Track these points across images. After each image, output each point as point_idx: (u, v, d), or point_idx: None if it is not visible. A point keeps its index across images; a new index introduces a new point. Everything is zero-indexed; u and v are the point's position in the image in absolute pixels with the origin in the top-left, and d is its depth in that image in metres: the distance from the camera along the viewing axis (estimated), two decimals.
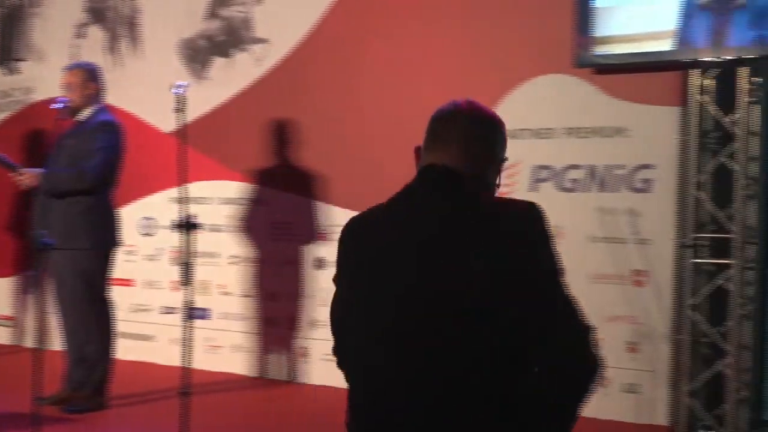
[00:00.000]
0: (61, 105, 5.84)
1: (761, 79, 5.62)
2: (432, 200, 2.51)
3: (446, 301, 2.35)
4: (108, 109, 6.47)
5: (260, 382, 7.41)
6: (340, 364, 2.69)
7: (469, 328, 2.32)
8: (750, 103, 5.59)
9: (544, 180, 6.37)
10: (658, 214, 6.00)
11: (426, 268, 2.40)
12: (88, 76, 6.35)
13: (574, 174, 6.29)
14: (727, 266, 5.67)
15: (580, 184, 6.27)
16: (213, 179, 7.74)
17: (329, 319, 2.75)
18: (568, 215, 6.26)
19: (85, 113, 6.29)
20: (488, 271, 2.35)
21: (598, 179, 6.22)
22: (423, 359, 2.35)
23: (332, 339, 2.73)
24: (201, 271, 7.62)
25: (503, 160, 2.66)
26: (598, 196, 6.21)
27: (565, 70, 6.21)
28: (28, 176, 6.10)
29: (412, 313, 2.38)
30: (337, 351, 2.71)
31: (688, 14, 5.64)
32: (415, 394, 2.35)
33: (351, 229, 2.63)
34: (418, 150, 2.67)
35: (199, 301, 7.66)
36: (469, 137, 2.58)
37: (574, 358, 2.34)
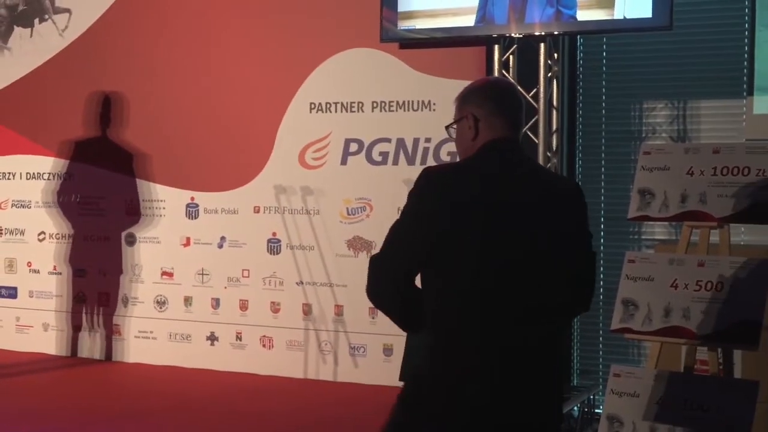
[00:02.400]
0: None
1: (559, 55, 5.78)
2: (519, 168, 3.16)
3: (552, 243, 3.09)
4: None
5: (73, 361, 7.25)
6: (389, 298, 3.16)
7: (559, 261, 3.11)
8: (550, 77, 5.73)
9: (354, 153, 6.41)
10: None
11: (534, 219, 3.08)
12: None
13: (382, 147, 6.35)
14: None
15: (388, 157, 6.34)
16: (19, 153, 7.51)
17: (386, 260, 3.08)
18: (377, 187, 6.33)
19: None
20: (572, 224, 3.18)
21: (406, 152, 6.29)
22: (526, 283, 3.05)
23: (383, 281, 3.11)
24: (8, 249, 7.46)
25: None
26: (405, 169, 6.27)
27: (372, 44, 6.25)
28: None
29: (527, 250, 3.05)
30: (390, 286, 3.13)
31: None
32: (518, 306, 3.05)
33: (442, 183, 3.07)
34: (476, 119, 3.15)
35: (6, 280, 7.49)
36: (520, 114, 3.23)
37: (591, 289, 3.26)
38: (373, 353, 6.36)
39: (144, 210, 7.10)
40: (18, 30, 7.60)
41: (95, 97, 7.23)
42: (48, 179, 7.44)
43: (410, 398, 3.15)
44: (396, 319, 3.21)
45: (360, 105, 6.37)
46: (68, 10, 7.37)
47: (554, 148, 5.79)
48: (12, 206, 7.47)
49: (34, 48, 7.51)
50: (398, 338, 6.23)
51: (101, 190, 7.22)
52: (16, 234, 7.51)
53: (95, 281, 7.26)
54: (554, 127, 5.81)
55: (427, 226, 3.05)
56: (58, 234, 7.40)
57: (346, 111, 6.40)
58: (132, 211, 7.14)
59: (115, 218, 7.19)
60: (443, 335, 3.07)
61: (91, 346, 7.29)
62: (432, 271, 3.07)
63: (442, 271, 3.06)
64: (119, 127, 7.15)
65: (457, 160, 3.21)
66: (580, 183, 5.92)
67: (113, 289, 7.22)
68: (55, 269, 7.42)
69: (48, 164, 7.43)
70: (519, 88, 5.56)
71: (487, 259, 3.03)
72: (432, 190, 3.06)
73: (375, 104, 6.35)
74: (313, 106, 6.49)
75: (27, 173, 7.49)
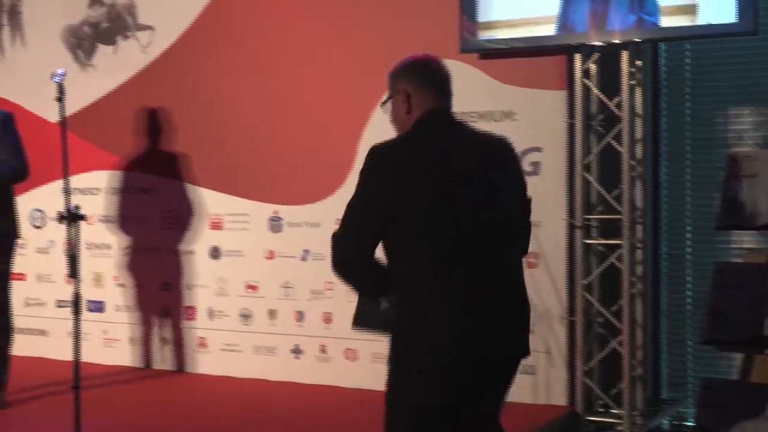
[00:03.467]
0: None
1: (642, 62, 5.71)
2: (458, 134, 3.50)
3: (503, 196, 3.44)
4: None
5: (157, 373, 7.34)
6: (355, 269, 3.44)
7: (511, 212, 3.48)
8: (633, 85, 5.66)
9: None
10: (548, 196, 6.05)
11: (487, 178, 3.40)
12: None
13: None
14: (617, 246, 5.76)
15: None
16: (103, 169, 7.63)
17: (347, 237, 3.36)
18: None
19: None
20: (514, 176, 3.56)
21: None
22: (489, 235, 3.36)
23: (347, 255, 3.40)
24: (95, 263, 7.57)
25: None
26: None
27: (452, 55, 6.21)
28: None
29: (487, 204, 3.38)
30: (355, 259, 3.41)
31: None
32: (493, 250, 3.37)
33: (394, 159, 3.36)
34: (407, 94, 3.47)
35: (94, 294, 7.59)
36: (448, 84, 3.56)
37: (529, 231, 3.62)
38: None
39: (228, 224, 7.15)
40: (102, 47, 7.72)
41: (178, 112, 7.31)
42: (133, 194, 7.55)
43: (403, 353, 3.37)
44: (361, 289, 3.56)
45: None
46: (151, 27, 7.47)
47: (638, 157, 5.72)
48: (98, 221, 7.59)
49: (117, 65, 7.63)
50: None
51: (185, 204, 7.30)
52: (102, 248, 7.62)
53: (180, 295, 7.34)
54: (638, 135, 5.73)
55: (384, 199, 3.32)
56: (143, 248, 7.50)
57: None
58: (216, 225, 7.21)
59: (199, 232, 7.26)
60: (422, 294, 3.32)
61: (176, 359, 7.37)
62: (401, 241, 3.34)
63: (410, 240, 3.32)
64: (202, 142, 7.22)
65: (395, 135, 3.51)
66: (665, 191, 5.92)
67: (198, 302, 7.29)
68: (140, 283, 7.52)
69: (133, 179, 7.53)
70: (601, 96, 5.54)
71: (451, 220, 3.31)
72: (383, 165, 3.35)
73: (456, 115, 6.32)
74: None
75: (112, 188, 7.61)
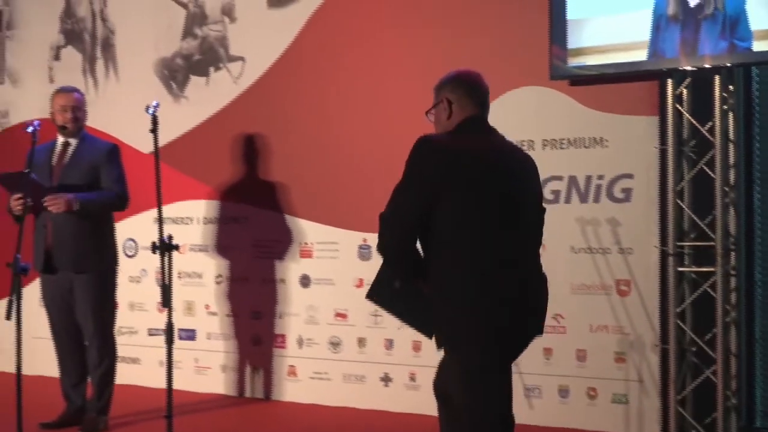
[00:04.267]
0: (33, 128, 5.74)
1: (734, 87, 5.63)
2: (492, 138, 3.97)
3: (526, 196, 3.91)
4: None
5: (247, 401, 7.38)
6: (399, 250, 3.85)
7: (538, 212, 4.02)
8: (725, 110, 5.59)
9: None
10: (639, 223, 6.01)
11: (516, 178, 3.87)
12: (83, 102, 6.48)
13: (554, 185, 6.28)
14: (710, 274, 5.67)
15: (560, 195, 6.27)
16: (195, 199, 7.73)
17: (393, 218, 3.80)
18: (550, 227, 6.22)
19: (77, 137, 6.37)
20: (534, 183, 4.04)
21: (579, 190, 6.22)
22: (522, 224, 3.85)
23: (392, 236, 3.82)
24: (186, 292, 7.66)
25: None
26: (578, 207, 6.21)
27: (541, 82, 6.22)
28: (64, 200, 6.03)
29: (516, 198, 3.82)
30: (399, 241, 3.82)
31: (660, 25, 5.65)
32: (519, 240, 3.84)
33: (438, 146, 3.84)
34: (449, 102, 4.00)
35: (185, 322, 7.68)
36: (486, 96, 4.07)
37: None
38: (549, 394, 6.26)
39: (318, 252, 7.19)
40: (194, 79, 7.84)
41: (268, 142, 7.39)
42: (224, 223, 7.63)
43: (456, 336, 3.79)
44: (400, 269, 3.94)
45: (530, 143, 6.32)
46: (242, 58, 7.57)
47: (731, 183, 5.64)
48: (190, 250, 7.68)
49: (209, 96, 7.73)
50: (574, 379, 6.15)
51: (276, 233, 7.35)
52: (194, 277, 7.71)
53: (271, 323, 7.39)
54: (731, 160, 5.67)
55: (428, 181, 3.75)
56: (234, 277, 7.57)
57: None
58: (306, 254, 7.25)
59: (290, 261, 7.31)
60: (456, 279, 3.73)
61: (266, 387, 7.40)
62: (438, 229, 3.74)
63: (446, 228, 3.74)
64: (292, 171, 7.28)
65: None
66: (759, 217, 5.82)
67: (288, 330, 7.33)
68: (231, 312, 7.58)
69: (224, 208, 7.62)
70: (693, 122, 5.48)
71: (485, 208, 3.75)
72: (428, 151, 3.81)
73: (546, 142, 6.30)
74: None
75: (204, 218, 7.70)
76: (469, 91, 4.02)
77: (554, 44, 5.97)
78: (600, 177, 6.15)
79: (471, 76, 4.08)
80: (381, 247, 3.87)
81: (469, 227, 3.72)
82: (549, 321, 6.09)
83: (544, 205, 4.10)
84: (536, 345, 6.16)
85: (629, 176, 6.06)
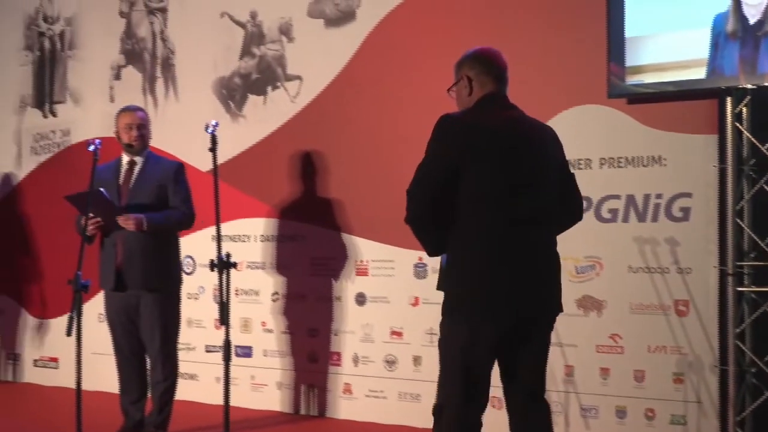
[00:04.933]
0: (95, 147, 5.82)
1: None
2: (512, 113, 4.20)
3: (546, 167, 4.12)
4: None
5: (302, 418, 7.40)
6: (423, 221, 4.15)
7: (551, 182, 4.14)
8: None
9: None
10: (698, 242, 5.95)
11: (536, 147, 4.10)
12: (147, 120, 6.57)
13: (611, 204, 6.25)
14: None
15: (618, 214, 6.23)
16: (252, 216, 7.78)
17: (417, 190, 4.13)
18: (607, 246, 6.23)
19: (142, 155, 6.44)
20: (556, 153, 4.25)
21: (636, 209, 6.17)
22: (538, 196, 4.05)
23: (416, 207, 4.14)
24: (243, 309, 7.70)
25: None
26: (636, 226, 6.17)
27: (599, 100, 6.19)
28: (135, 219, 6.12)
29: (535, 172, 4.05)
30: (423, 211, 4.13)
31: (719, 43, 5.61)
32: (535, 211, 4.05)
33: (459, 121, 4.10)
34: (469, 79, 4.27)
35: (242, 339, 7.72)
36: (505, 72, 4.34)
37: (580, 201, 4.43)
38: (606, 415, 6.21)
39: (373, 270, 7.20)
40: (252, 98, 7.90)
41: (325, 161, 7.42)
42: (281, 241, 7.67)
43: (462, 299, 4.07)
44: (426, 240, 4.22)
45: (588, 162, 6.30)
46: (299, 77, 7.62)
47: None
48: (247, 268, 7.72)
49: (266, 115, 7.79)
50: (632, 400, 6.09)
51: (332, 251, 7.38)
52: (251, 294, 7.76)
53: (327, 340, 7.41)
54: None
55: (449, 153, 4.01)
56: (291, 294, 7.60)
57: (574, 168, 6.27)
58: (362, 272, 7.26)
59: (345, 278, 7.33)
60: (480, 245, 3.98)
61: (321, 404, 7.42)
62: (464, 197, 3.99)
63: (473, 196, 3.97)
64: (348, 189, 7.31)
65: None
66: None
67: (344, 348, 7.34)
68: (287, 329, 7.61)
69: (281, 226, 7.66)
70: (753, 140, 5.43)
71: (507, 181, 3.98)
72: (449, 126, 4.08)
73: (603, 160, 6.27)
74: None
75: (261, 235, 7.75)
76: (487, 68, 4.26)
77: (612, 62, 5.95)
78: (658, 196, 6.10)
79: (490, 52, 4.33)
80: (407, 219, 4.16)
81: (484, 197, 3.98)
82: (606, 341, 6.15)
83: (569, 171, 4.33)
84: (593, 364, 6.20)
85: (688, 195, 6.01)
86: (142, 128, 6.43)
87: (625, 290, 6.15)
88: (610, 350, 6.17)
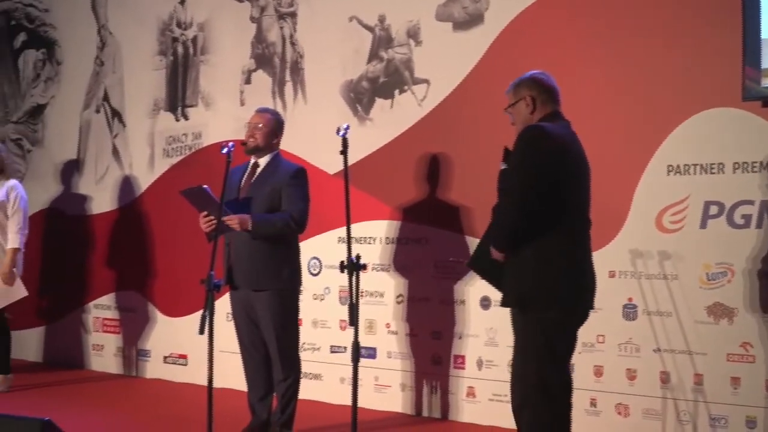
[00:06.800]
0: (228, 149, 5.92)
1: None
2: (571, 128, 4.90)
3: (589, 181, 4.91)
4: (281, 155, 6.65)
5: (425, 420, 7.41)
6: (514, 236, 4.75)
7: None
8: None
9: (714, 216, 6.19)
10: None
11: (586, 164, 4.90)
12: (277, 125, 6.60)
13: (745, 209, 6.11)
14: None
15: (751, 220, 6.09)
16: (377, 219, 7.82)
17: (523, 200, 4.66)
18: (739, 252, 6.09)
19: (266, 158, 6.49)
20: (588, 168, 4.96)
21: None
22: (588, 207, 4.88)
23: (524, 218, 4.67)
24: (368, 310, 7.74)
25: None
26: None
27: (733, 103, 6.07)
28: (241, 220, 6.20)
29: (587, 183, 4.89)
30: (517, 225, 4.72)
31: None
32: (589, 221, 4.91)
33: (557, 140, 4.67)
34: (532, 98, 4.92)
35: (367, 340, 7.76)
36: (559, 93, 5.00)
37: None
38: (735, 425, 6.07)
39: None
40: (379, 101, 7.95)
41: (450, 164, 7.43)
42: (405, 243, 7.70)
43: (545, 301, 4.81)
44: (510, 248, 4.79)
45: (720, 166, 6.17)
46: (427, 81, 7.64)
47: None
48: (372, 269, 7.76)
49: (393, 118, 7.83)
50: (763, 410, 5.95)
51: (457, 254, 7.36)
52: (376, 296, 7.80)
53: (450, 343, 7.40)
54: None
55: (547, 162, 4.61)
56: (415, 297, 7.62)
57: (706, 173, 6.22)
58: None
59: (470, 282, 7.31)
60: (561, 250, 4.70)
61: (444, 407, 7.42)
62: (555, 203, 4.62)
63: (556, 204, 4.61)
64: (473, 193, 7.28)
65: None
66: None
67: (467, 351, 7.33)
68: (411, 331, 7.63)
69: (405, 229, 7.69)
70: None
71: (578, 193, 4.76)
72: (543, 136, 4.66)
73: (737, 165, 6.12)
74: (670, 168, 6.35)
75: (386, 238, 7.79)
76: (548, 89, 4.94)
77: (747, 65, 5.83)
78: None
79: (547, 75, 5.02)
80: (515, 229, 4.72)
81: (569, 204, 4.71)
82: (737, 349, 6.02)
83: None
84: (723, 374, 6.07)
85: None
86: (257, 129, 6.46)
87: (756, 297, 6.01)
88: (741, 359, 6.04)
